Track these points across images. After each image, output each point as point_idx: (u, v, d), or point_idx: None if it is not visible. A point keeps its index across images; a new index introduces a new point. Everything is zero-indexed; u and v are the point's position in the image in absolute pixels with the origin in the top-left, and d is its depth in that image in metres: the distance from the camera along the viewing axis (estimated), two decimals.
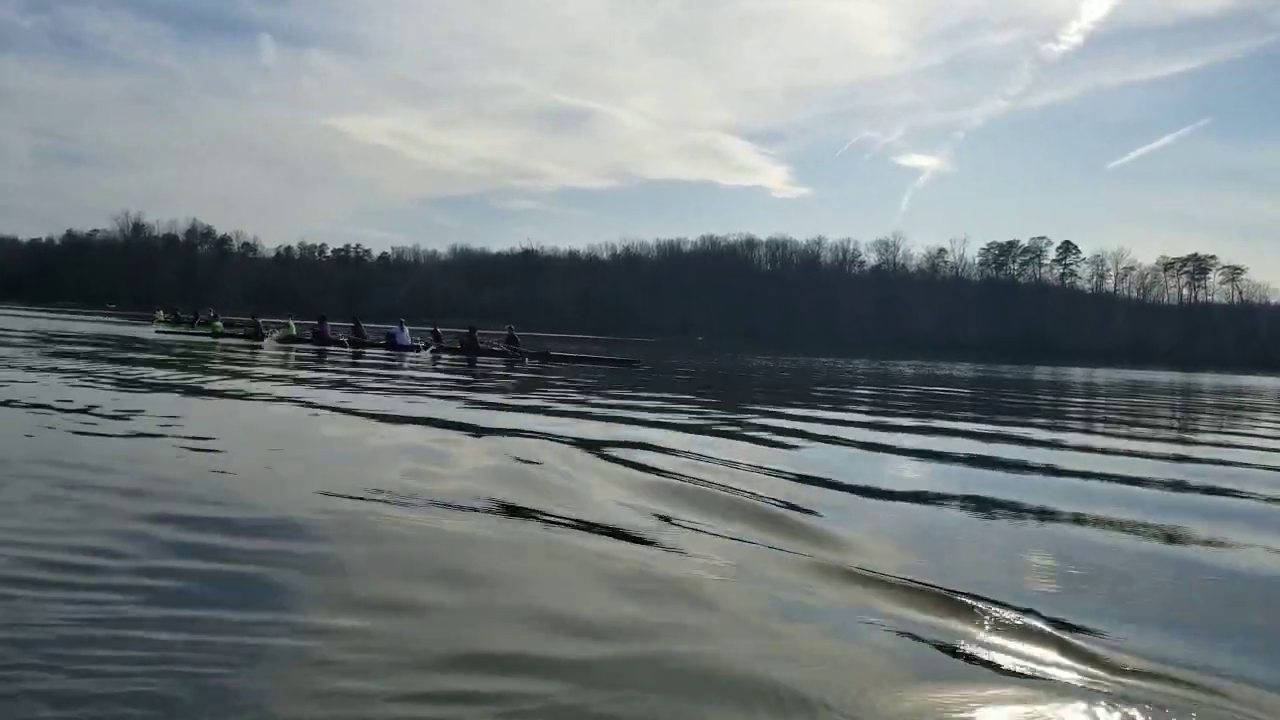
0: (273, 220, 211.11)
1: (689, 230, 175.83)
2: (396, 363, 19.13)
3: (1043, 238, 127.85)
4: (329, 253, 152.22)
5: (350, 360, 19.18)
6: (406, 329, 25.40)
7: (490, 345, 24.44)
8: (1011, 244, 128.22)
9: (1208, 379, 45.61)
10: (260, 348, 22.62)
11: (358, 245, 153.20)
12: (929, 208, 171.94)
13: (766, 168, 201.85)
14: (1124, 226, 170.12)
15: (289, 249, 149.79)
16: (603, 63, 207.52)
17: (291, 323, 28.52)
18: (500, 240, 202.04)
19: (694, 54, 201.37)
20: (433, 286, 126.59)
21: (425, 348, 24.31)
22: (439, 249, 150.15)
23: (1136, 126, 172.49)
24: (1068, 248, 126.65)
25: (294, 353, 21.22)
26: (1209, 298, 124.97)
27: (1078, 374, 41.83)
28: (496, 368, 19.34)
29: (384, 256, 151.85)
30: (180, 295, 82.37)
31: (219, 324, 28.71)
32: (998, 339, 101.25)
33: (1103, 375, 41.77)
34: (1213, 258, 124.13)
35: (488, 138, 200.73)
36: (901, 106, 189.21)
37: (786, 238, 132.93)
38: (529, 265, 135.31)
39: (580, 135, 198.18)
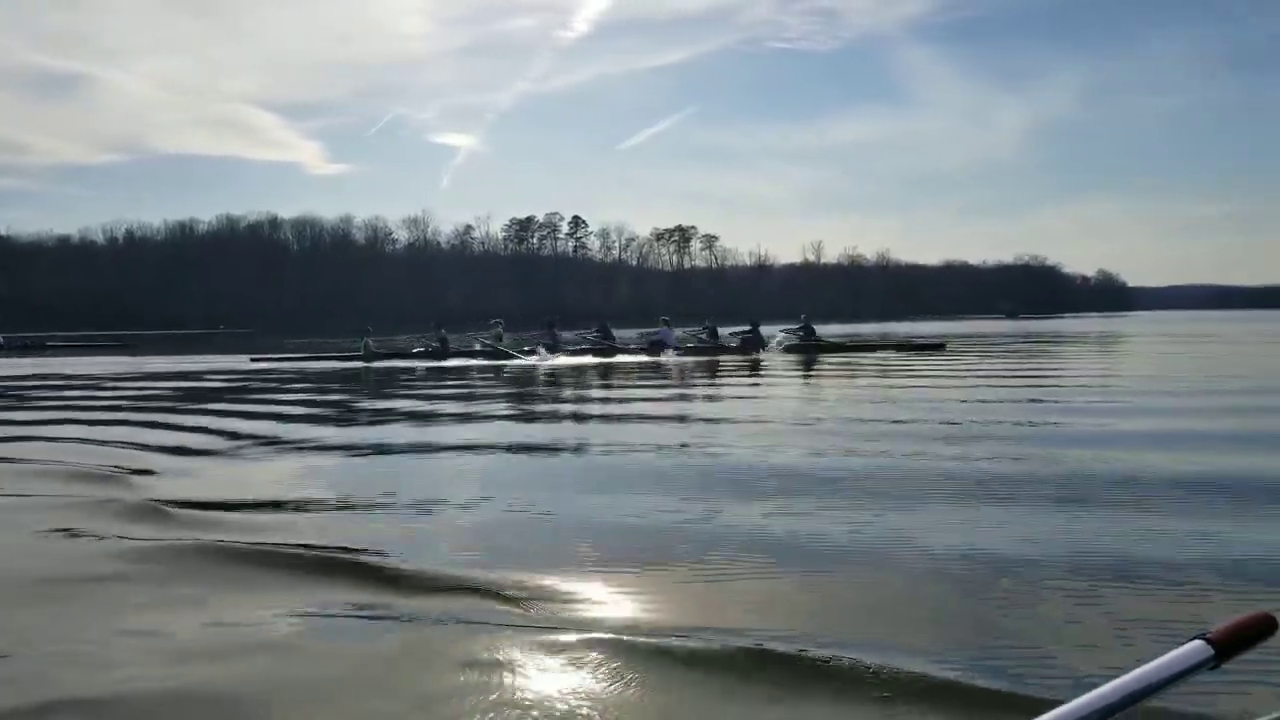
0: None
1: (213, 210, 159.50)
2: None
3: (555, 213, 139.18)
4: None
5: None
6: (673, 329, 21.86)
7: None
8: (529, 219, 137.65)
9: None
10: (416, 370, 18.68)
11: None
12: (468, 185, 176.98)
13: (299, 143, 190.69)
14: (635, 201, 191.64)
15: None
16: (100, 20, 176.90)
17: (501, 330, 22.29)
18: None
19: (215, 17, 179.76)
20: None
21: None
22: None
23: (643, 110, 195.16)
24: (578, 222, 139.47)
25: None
26: (693, 263, 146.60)
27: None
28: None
29: None
30: None
31: (370, 342, 22.40)
32: (525, 308, 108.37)
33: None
34: (693, 227, 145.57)
35: None
36: (433, 86, 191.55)
37: (314, 216, 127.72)
38: None
39: (75, 104, 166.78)
